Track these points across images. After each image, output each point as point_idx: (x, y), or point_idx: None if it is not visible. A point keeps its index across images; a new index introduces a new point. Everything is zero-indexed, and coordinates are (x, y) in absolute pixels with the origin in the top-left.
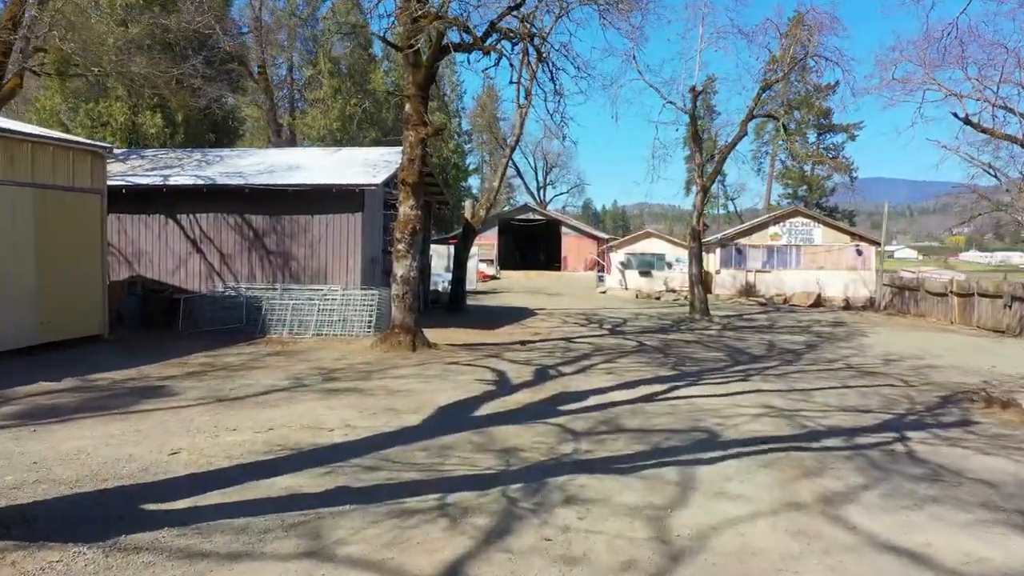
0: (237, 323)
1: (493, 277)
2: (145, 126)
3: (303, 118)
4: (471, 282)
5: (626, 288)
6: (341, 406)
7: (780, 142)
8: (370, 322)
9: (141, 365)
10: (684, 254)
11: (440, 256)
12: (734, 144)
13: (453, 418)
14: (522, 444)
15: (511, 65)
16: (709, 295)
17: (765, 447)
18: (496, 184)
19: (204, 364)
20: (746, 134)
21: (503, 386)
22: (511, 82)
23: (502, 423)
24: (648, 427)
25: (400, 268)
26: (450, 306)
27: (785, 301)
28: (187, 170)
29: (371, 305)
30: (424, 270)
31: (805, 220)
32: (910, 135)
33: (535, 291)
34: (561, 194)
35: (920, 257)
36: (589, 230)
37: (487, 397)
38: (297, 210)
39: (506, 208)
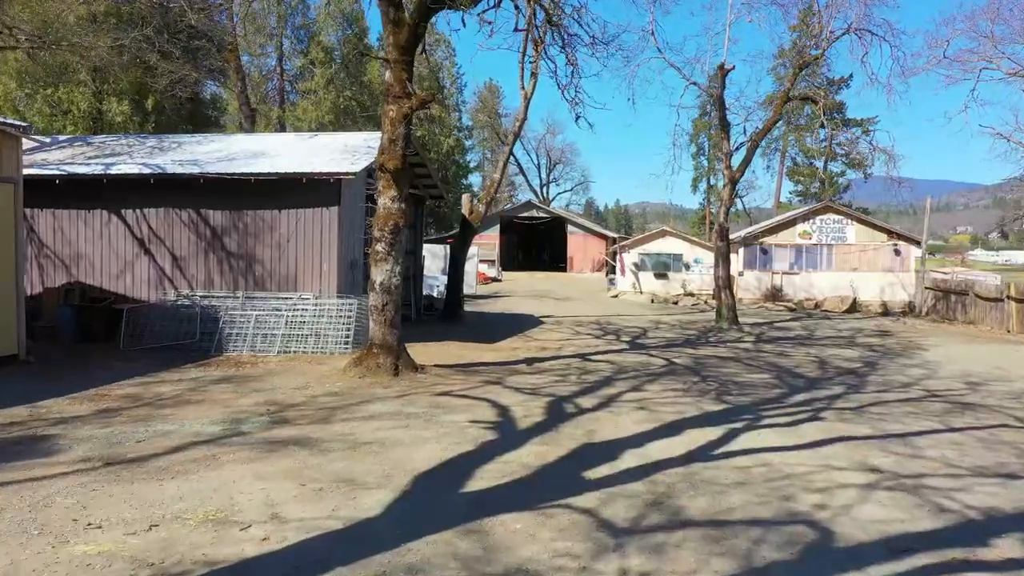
0: (190, 338)
1: (494, 279)
2: (111, 114)
3: (293, 110)
4: (470, 285)
5: (640, 292)
6: (277, 474)
7: (791, 138)
8: (347, 338)
9: (48, 398)
10: (703, 254)
11: (436, 257)
12: (768, 129)
13: (434, 498)
14: (536, 560)
15: (516, 27)
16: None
17: (915, 561)
18: (497, 176)
19: (128, 397)
20: (780, 118)
21: (506, 433)
22: (516, 49)
23: (504, 508)
24: (721, 515)
25: (379, 273)
26: (445, 314)
27: (816, 306)
28: (136, 158)
29: (349, 317)
30: (416, 274)
31: (837, 217)
32: (919, 126)
33: (540, 295)
34: (564, 192)
35: (931, 256)
36: (597, 228)
37: (484, 454)
38: (262, 204)
39: (508, 206)
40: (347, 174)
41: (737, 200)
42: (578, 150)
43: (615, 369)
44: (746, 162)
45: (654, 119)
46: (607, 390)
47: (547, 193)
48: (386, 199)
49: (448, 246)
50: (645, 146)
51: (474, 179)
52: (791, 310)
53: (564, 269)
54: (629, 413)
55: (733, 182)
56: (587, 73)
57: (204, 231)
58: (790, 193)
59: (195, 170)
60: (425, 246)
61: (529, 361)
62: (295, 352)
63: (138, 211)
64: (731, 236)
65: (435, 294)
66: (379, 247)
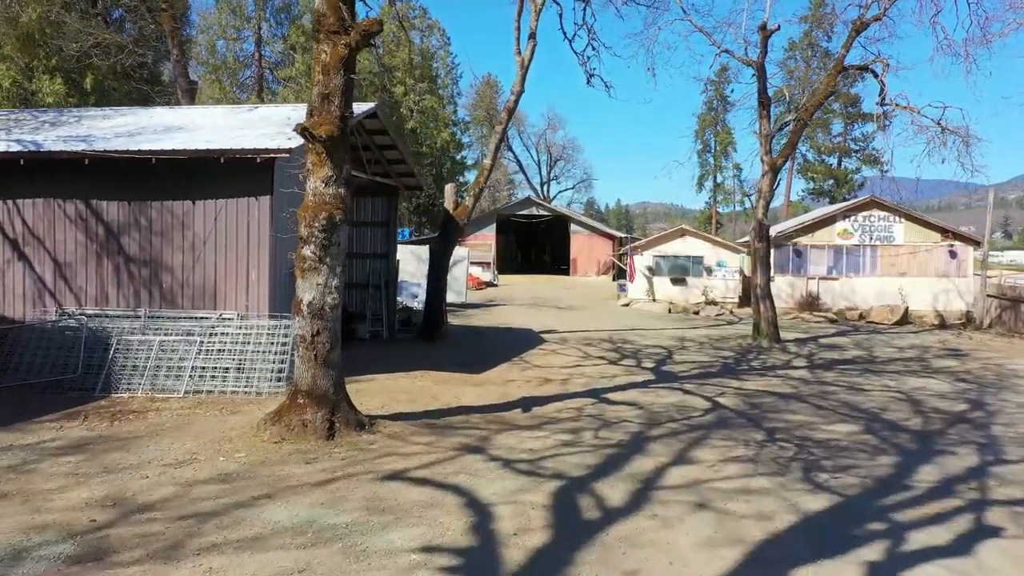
0: (71, 371)
1: (489, 284)
2: (41, 93)
3: (273, 99)
4: (459, 293)
5: (654, 299)
6: None
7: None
8: (281, 372)
9: None
10: (727, 256)
11: (422, 260)
12: (819, 104)
13: None
14: None
15: None
16: None
17: None
18: (488, 162)
19: None
20: (834, 91)
21: None
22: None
23: None
24: None
25: (307, 289)
26: (424, 331)
27: (860, 317)
28: (14, 134)
29: (284, 344)
30: (388, 281)
31: (883, 213)
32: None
33: (541, 303)
34: (566, 190)
35: None
36: (602, 228)
37: None
38: (172, 193)
39: (506, 204)
40: (281, 151)
41: (745, 200)
42: (580, 146)
43: (645, 419)
44: (791, 145)
45: (658, 115)
46: (640, 462)
47: (548, 191)
48: (316, 181)
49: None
50: (648, 143)
51: (471, 176)
52: (832, 321)
53: (567, 272)
54: (684, 520)
55: (774, 169)
56: (602, 30)
57: (96, 229)
58: (803, 191)
59: (81, 147)
60: (406, 248)
61: (526, 405)
62: (209, 392)
63: (8, 203)
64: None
65: (417, 304)
66: (307, 251)
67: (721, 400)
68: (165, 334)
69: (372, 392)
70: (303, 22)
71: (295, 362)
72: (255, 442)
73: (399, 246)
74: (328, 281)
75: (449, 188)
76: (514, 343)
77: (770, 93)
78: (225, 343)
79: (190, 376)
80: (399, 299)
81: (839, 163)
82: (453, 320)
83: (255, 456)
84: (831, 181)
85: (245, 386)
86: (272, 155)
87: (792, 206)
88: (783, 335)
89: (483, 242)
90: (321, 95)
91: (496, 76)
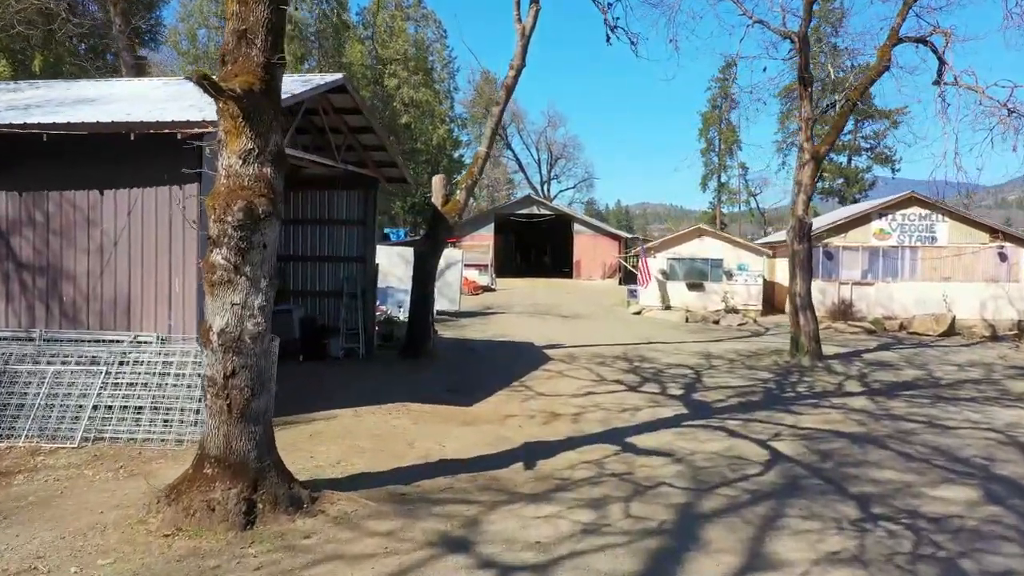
0: None
1: (487, 288)
2: None
3: None
4: (452, 300)
5: (667, 307)
6: None
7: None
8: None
9: None
10: (749, 259)
11: (408, 263)
12: (871, 81)
13: None
14: None
15: None
16: (784, 315)
17: None
18: (484, 149)
19: None
20: (888, 67)
21: None
22: None
23: None
24: None
25: (218, 310)
26: (407, 348)
27: (901, 327)
28: None
29: None
30: (365, 289)
31: (924, 211)
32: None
33: (543, 310)
34: (567, 189)
35: None
36: (607, 228)
37: None
38: (75, 182)
39: (505, 203)
40: (209, 125)
41: (751, 199)
42: (581, 144)
43: (689, 480)
44: (836, 130)
45: (660, 114)
46: (699, 567)
47: (548, 191)
48: (231, 156)
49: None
50: (649, 142)
51: None
52: (870, 332)
53: (569, 275)
54: None
55: (817, 158)
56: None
57: None
58: None
59: None
60: (393, 250)
61: (530, 456)
62: (114, 439)
63: None
64: (775, 237)
65: (402, 315)
66: (217, 256)
67: (779, 446)
68: (63, 362)
69: (330, 437)
70: (293, 13)
71: (208, 419)
72: (136, 534)
73: (384, 248)
74: (248, 299)
75: (437, 180)
76: (513, 362)
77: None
78: (139, 374)
79: (91, 418)
80: (384, 307)
81: (849, 161)
82: (445, 332)
83: (128, 564)
84: (841, 180)
85: (162, 432)
86: (198, 130)
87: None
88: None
89: (480, 243)
90: (236, 33)
91: (495, 73)
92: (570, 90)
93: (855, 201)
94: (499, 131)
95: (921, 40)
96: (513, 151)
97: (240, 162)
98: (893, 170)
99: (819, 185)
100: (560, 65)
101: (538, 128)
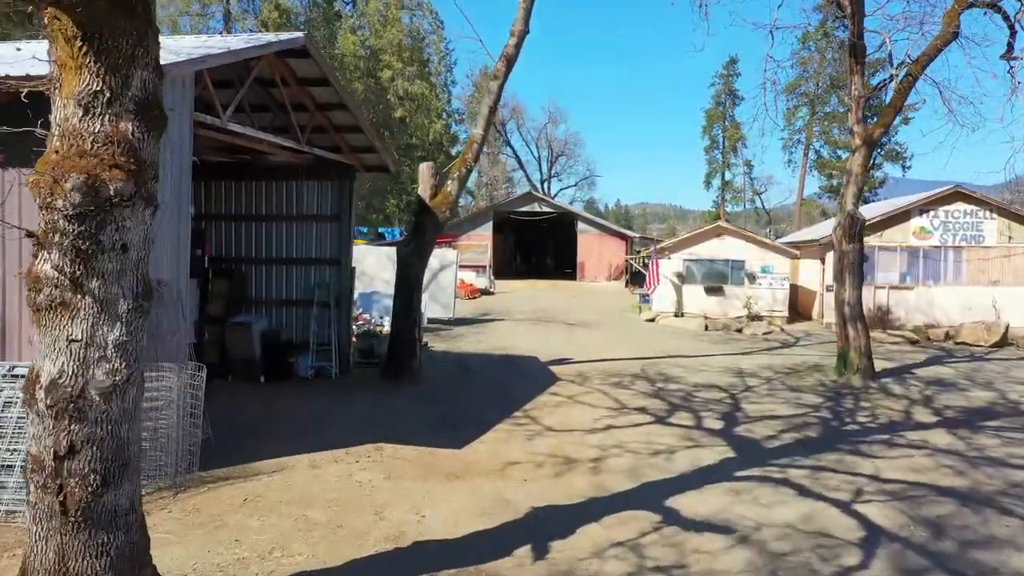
0: None
1: (485, 291)
2: None
3: None
4: (446, 306)
5: (681, 313)
6: None
7: (816, 128)
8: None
9: None
10: (773, 260)
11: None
12: (937, 51)
13: None
14: None
15: None
16: (812, 322)
17: None
18: (479, 131)
19: None
20: (957, 34)
21: None
22: None
23: None
24: None
25: (48, 353)
26: (389, 368)
27: (947, 336)
28: None
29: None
30: (340, 297)
31: (969, 207)
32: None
33: (546, 316)
34: (568, 187)
35: None
36: (614, 227)
37: None
38: None
39: (504, 200)
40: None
41: (756, 198)
42: (583, 141)
43: None
44: (894, 108)
45: (663, 111)
46: None
47: (548, 189)
48: (67, 104)
49: (437, 248)
50: (649, 141)
51: (471, 177)
52: (912, 342)
53: (573, 276)
54: None
55: (870, 143)
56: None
57: None
58: (819, 188)
59: None
60: (381, 250)
61: (539, 538)
62: None
63: None
64: (799, 236)
65: (388, 325)
66: (45, 266)
67: (870, 512)
68: None
69: (272, 503)
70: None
71: (29, 527)
72: None
73: (372, 248)
74: (97, 333)
75: (424, 168)
76: (515, 383)
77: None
78: (6, 419)
79: None
80: (367, 316)
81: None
82: (437, 343)
83: None
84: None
85: None
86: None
87: (804, 204)
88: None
89: (478, 243)
90: None
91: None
92: (570, 87)
93: (866, 200)
94: (497, 119)
95: (992, 5)
96: (512, 148)
97: (81, 113)
98: (904, 167)
99: (827, 183)
100: (560, 57)
101: (538, 124)
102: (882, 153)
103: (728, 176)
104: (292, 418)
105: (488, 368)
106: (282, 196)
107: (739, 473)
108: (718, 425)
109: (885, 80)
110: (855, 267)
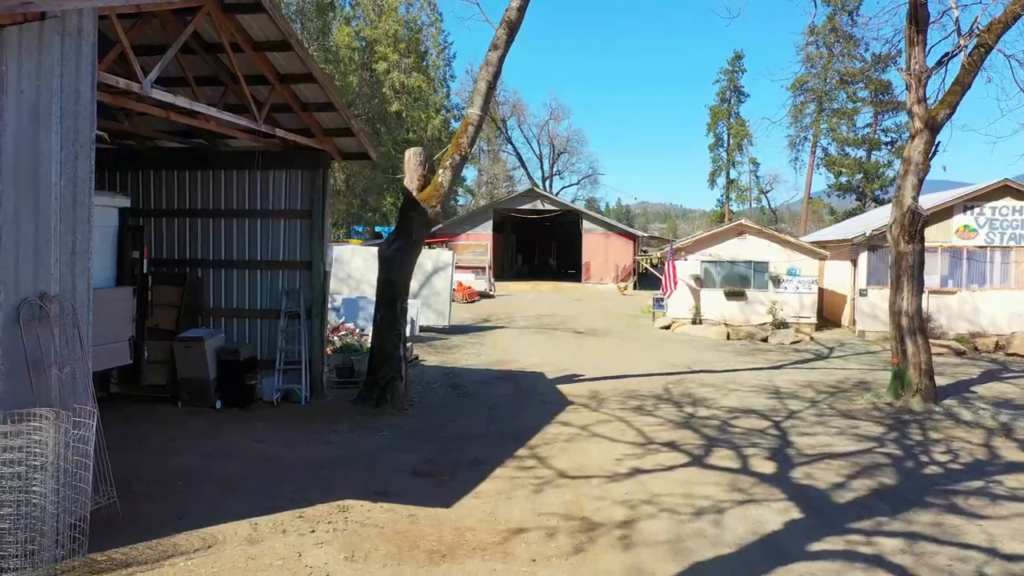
0: None
1: (484, 294)
2: None
3: None
4: (441, 313)
5: (699, 320)
6: None
7: (823, 125)
8: None
9: None
10: (801, 262)
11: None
12: (1013, 19)
13: None
14: None
15: None
16: (841, 330)
17: None
18: (476, 111)
19: None
20: None
21: None
22: None
23: None
24: None
25: None
26: (367, 392)
27: (997, 347)
28: None
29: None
30: (312, 306)
31: (1019, 203)
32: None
33: (551, 323)
34: (570, 185)
35: None
36: (620, 226)
37: None
38: None
39: (503, 198)
40: None
41: (762, 197)
42: (586, 138)
43: None
44: (963, 86)
45: (665, 110)
46: None
47: (550, 187)
48: None
49: (437, 248)
50: (649, 140)
51: (468, 173)
52: (959, 353)
53: (577, 278)
54: None
55: (933, 127)
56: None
57: None
58: (829, 187)
59: None
60: (369, 251)
61: None
62: None
63: None
64: (827, 236)
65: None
66: None
67: None
68: None
69: None
70: None
71: None
72: None
73: (360, 248)
74: None
75: (411, 155)
76: (518, 409)
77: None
78: None
79: None
80: (352, 325)
81: (868, 156)
82: (430, 356)
83: None
84: (860, 175)
85: None
86: None
87: (811, 203)
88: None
89: (477, 242)
90: None
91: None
92: (570, 86)
93: (876, 199)
94: (498, 115)
95: None
96: (513, 145)
97: None
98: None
99: (837, 180)
100: (561, 56)
101: (539, 121)
102: (892, 150)
103: (733, 175)
104: (240, 463)
105: (487, 389)
106: (244, 188)
107: (815, 546)
108: (769, 467)
109: (950, 52)
110: (915, 271)
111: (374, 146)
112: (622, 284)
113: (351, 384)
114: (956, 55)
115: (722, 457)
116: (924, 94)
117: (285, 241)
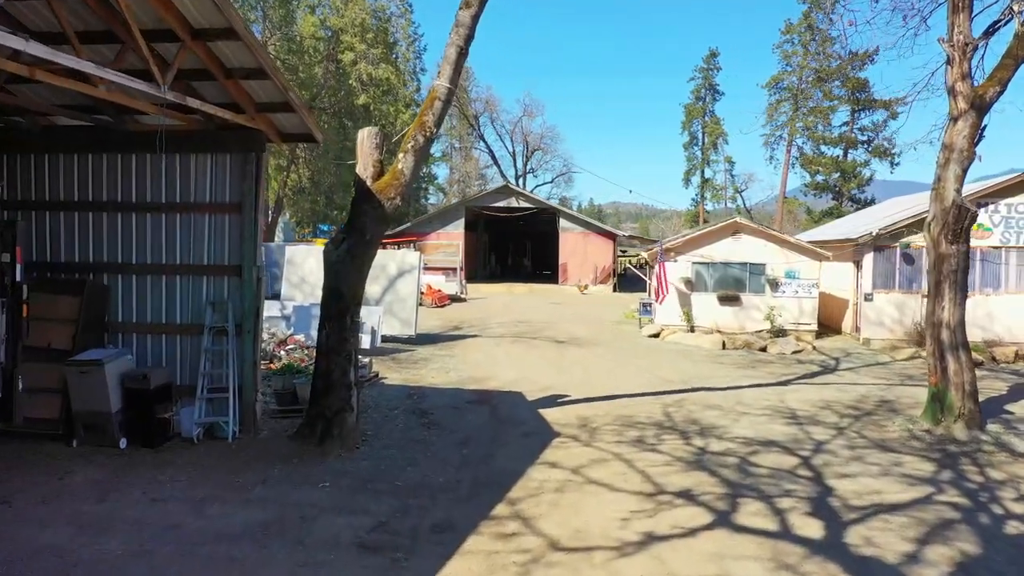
0: None
1: (456, 298)
2: None
3: None
4: (406, 322)
5: (691, 328)
6: None
7: (799, 124)
8: None
9: None
10: (802, 264)
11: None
12: None
13: None
14: None
15: None
16: (843, 337)
17: None
18: (443, 84)
19: None
20: None
21: None
22: None
23: None
24: None
25: None
26: (309, 426)
27: (1017, 356)
28: None
29: None
30: (243, 319)
31: None
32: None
33: (529, 331)
34: (544, 184)
35: None
36: (599, 225)
37: None
38: None
39: (475, 195)
40: None
41: (738, 196)
42: (560, 135)
43: None
44: (1015, 60)
45: (639, 111)
46: None
47: (524, 185)
48: None
49: (402, 248)
50: (622, 140)
51: (439, 171)
52: (976, 364)
53: (553, 279)
54: None
55: (980, 108)
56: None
57: None
58: (805, 186)
59: None
60: (319, 250)
61: None
62: None
63: None
64: (826, 236)
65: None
66: None
67: None
68: None
69: None
70: None
71: None
72: None
73: (310, 248)
74: None
75: (365, 136)
76: (495, 445)
77: None
78: None
79: None
80: (303, 337)
81: (845, 155)
82: (391, 373)
83: None
84: (837, 174)
85: None
86: None
87: (788, 202)
88: (954, 404)
89: (448, 242)
90: None
91: (467, 63)
92: (543, 84)
93: (852, 199)
94: (469, 112)
95: None
96: (486, 142)
97: None
98: (892, 164)
99: (813, 179)
100: (535, 60)
101: (513, 118)
102: (869, 150)
103: (708, 174)
104: (124, 538)
105: (458, 416)
106: (160, 176)
107: None
108: (815, 529)
109: (998, 20)
110: (959, 276)
111: (319, 127)
112: (580, 284)
113: (294, 413)
114: (1007, 22)
115: (753, 513)
116: (969, 69)
117: (211, 241)
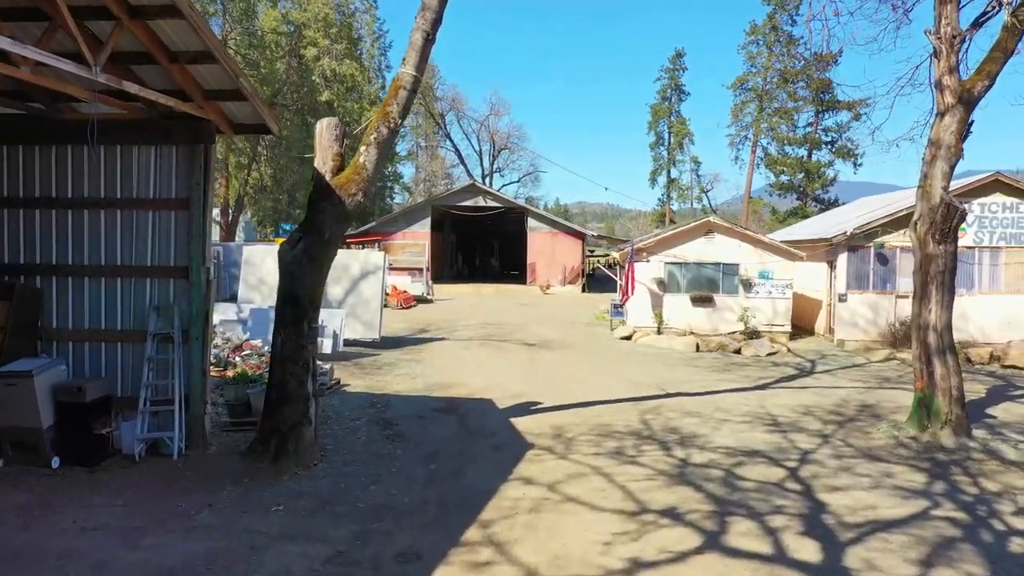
0: None
1: (422, 299)
2: None
3: None
4: (369, 324)
5: (661, 329)
6: None
7: (763, 124)
8: None
9: None
10: (777, 264)
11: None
12: None
13: None
14: None
15: None
16: (816, 338)
17: None
18: (409, 71)
19: None
20: None
21: None
22: None
23: None
24: None
25: None
26: (263, 441)
27: (992, 358)
28: None
29: None
30: (187, 327)
31: (1011, 200)
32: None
33: (499, 334)
34: (511, 183)
35: None
36: (568, 224)
37: None
38: None
39: (441, 193)
40: None
41: (703, 196)
42: (527, 135)
43: None
44: (1005, 52)
45: (605, 109)
46: None
47: (491, 185)
48: None
49: (363, 249)
50: (586, 141)
51: (405, 170)
52: None
53: (521, 280)
54: None
55: (968, 103)
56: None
57: None
58: (770, 186)
59: None
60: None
61: None
62: None
63: None
64: (798, 236)
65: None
66: None
67: None
68: None
69: None
70: None
71: None
72: None
73: (269, 247)
74: None
75: (324, 128)
76: (465, 462)
77: None
78: None
79: None
80: (259, 343)
81: (809, 155)
82: (354, 380)
83: None
84: (802, 175)
85: None
86: None
87: (753, 202)
88: (950, 414)
89: (413, 242)
90: None
91: (431, 60)
92: (511, 85)
93: (816, 199)
94: (435, 109)
95: None
96: (452, 141)
97: None
98: (856, 165)
99: (778, 179)
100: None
101: (480, 116)
102: (834, 149)
103: (675, 174)
104: (48, 575)
105: (424, 427)
106: (98, 169)
107: None
108: (811, 551)
109: (986, 11)
110: (947, 277)
111: (276, 119)
112: (543, 284)
113: (248, 426)
114: (995, 13)
115: (744, 533)
116: (957, 62)
117: (155, 240)
